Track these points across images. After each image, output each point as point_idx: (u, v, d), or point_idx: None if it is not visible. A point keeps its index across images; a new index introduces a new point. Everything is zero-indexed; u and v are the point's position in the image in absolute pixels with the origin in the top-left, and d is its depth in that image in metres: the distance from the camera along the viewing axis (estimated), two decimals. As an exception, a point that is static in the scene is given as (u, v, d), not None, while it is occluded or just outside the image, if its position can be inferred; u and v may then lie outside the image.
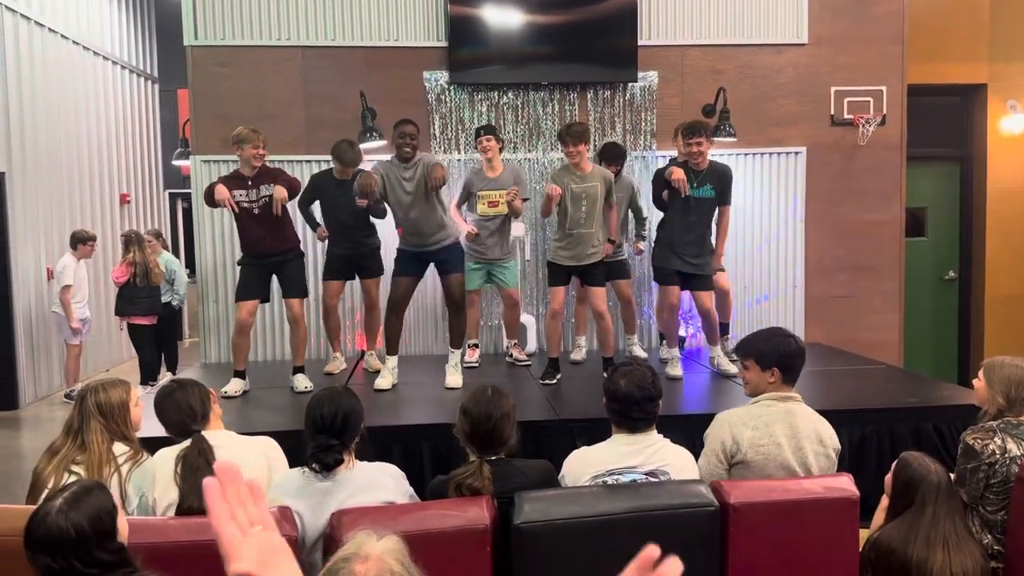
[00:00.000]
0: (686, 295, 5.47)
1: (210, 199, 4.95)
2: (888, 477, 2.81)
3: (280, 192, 4.84)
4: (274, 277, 5.21)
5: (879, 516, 2.83)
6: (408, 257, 5.17)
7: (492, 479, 2.70)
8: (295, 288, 5.15)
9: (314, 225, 5.69)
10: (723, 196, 5.20)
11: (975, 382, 3.27)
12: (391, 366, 5.21)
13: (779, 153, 6.76)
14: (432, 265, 5.25)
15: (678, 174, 5.00)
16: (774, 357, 3.05)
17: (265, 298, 5.21)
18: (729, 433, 2.92)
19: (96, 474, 2.75)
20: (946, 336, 7.86)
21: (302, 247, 5.33)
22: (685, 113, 6.47)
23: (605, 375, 5.05)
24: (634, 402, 2.76)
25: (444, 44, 6.38)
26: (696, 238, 5.14)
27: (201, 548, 2.40)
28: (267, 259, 5.08)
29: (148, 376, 7.77)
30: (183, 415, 2.83)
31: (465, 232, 5.56)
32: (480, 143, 5.61)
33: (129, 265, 7.61)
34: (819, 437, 2.99)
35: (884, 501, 2.82)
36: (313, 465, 2.67)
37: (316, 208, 5.70)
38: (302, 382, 5.14)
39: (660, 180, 5.25)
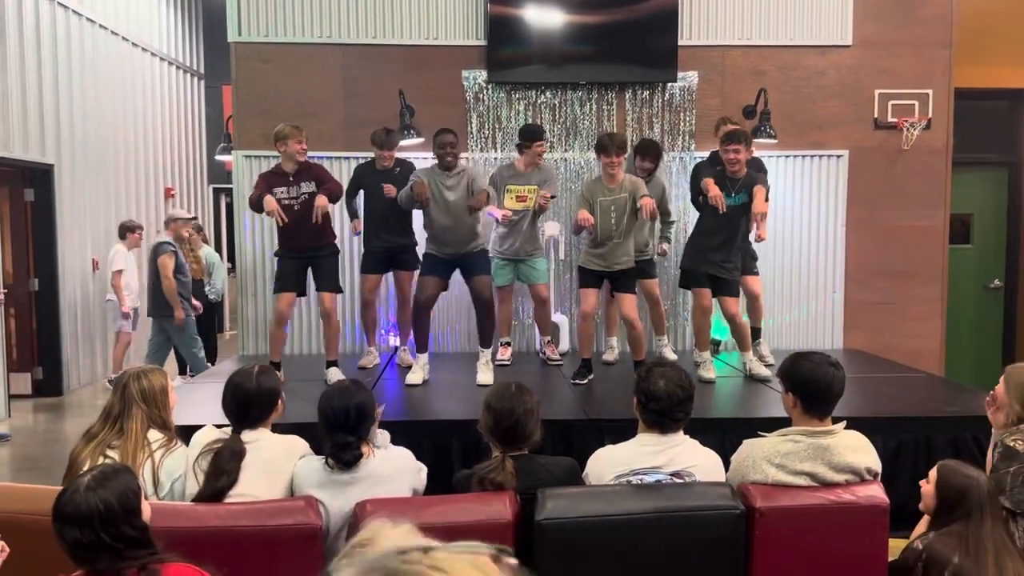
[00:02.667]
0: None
1: (257, 206, 5.04)
2: (927, 487, 2.73)
3: (321, 201, 4.94)
4: (309, 271, 5.28)
5: (922, 526, 2.75)
6: (436, 261, 5.23)
7: (515, 474, 2.71)
8: (328, 283, 5.23)
9: (353, 215, 5.71)
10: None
11: (997, 388, 3.21)
12: (422, 363, 5.26)
13: (821, 156, 6.66)
14: (458, 270, 5.31)
15: (714, 191, 4.90)
16: (789, 381, 2.81)
17: (302, 292, 5.29)
18: (752, 470, 2.75)
19: (130, 459, 2.81)
20: (990, 346, 7.67)
21: (338, 244, 5.40)
22: (725, 114, 6.40)
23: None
24: (677, 402, 2.72)
25: (483, 43, 6.40)
26: (726, 243, 5.09)
27: (220, 534, 2.45)
28: (304, 253, 5.16)
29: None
30: (239, 407, 2.84)
31: (500, 216, 5.53)
32: (541, 148, 5.60)
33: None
34: (854, 470, 2.74)
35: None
36: (335, 463, 2.69)
37: (359, 198, 5.78)
38: (335, 375, 5.18)
39: (697, 182, 5.21)
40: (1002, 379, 3.15)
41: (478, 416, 2.96)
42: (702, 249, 5.17)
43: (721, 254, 5.10)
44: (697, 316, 5.31)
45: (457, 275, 5.40)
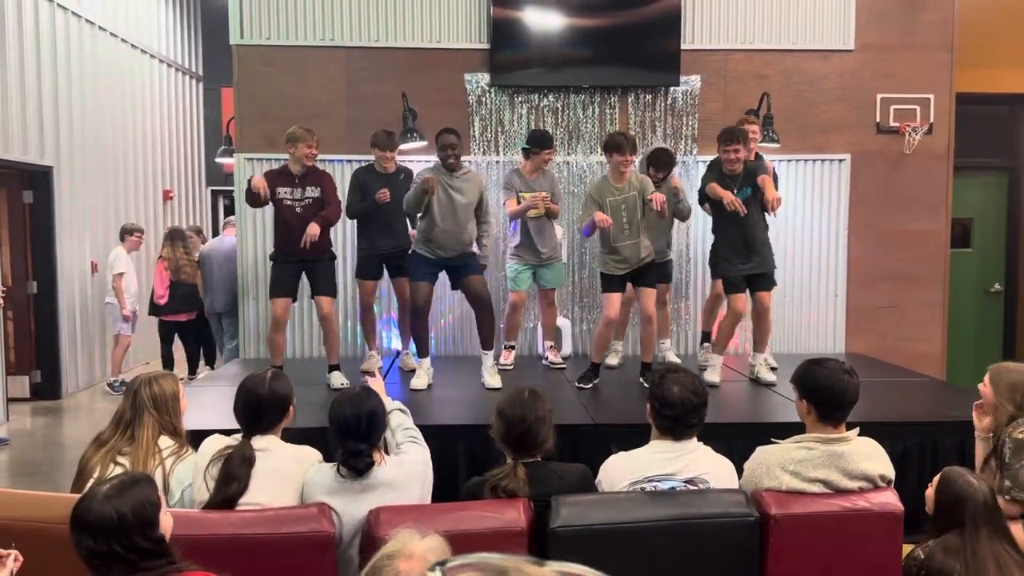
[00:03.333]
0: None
1: (251, 199, 5.01)
2: (929, 492, 2.73)
3: (313, 229, 4.96)
4: (304, 276, 5.25)
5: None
6: (426, 262, 5.16)
7: (528, 481, 2.69)
8: (325, 287, 5.20)
9: (369, 206, 5.36)
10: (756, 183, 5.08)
11: (981, 387, 3.22)
12: (426, 367, 5.24)
13: (823, 160, 6.68)
14: (446, 273, 5.25)
15: (728, 196, 4.90)
16: (803, 388, 2.81)
17: (295, 297, 5.26)
18: (766, 476, 2.74)
19: (141, 466, 2.78)
20: (990, 349, 7.68)
21: (335, 250, 5.40)
22: (728, 118, 6.41)
23: (642, 380, 5.07)
24: (691, 408, 2.71)
25: (486, 46, 6.40)
26: (748, 241, 5.09)
27: (233, 541, 2.43)
28: (300, 258, 5.13)
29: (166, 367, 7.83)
30: (251, 412, 2.81)
31: (531, 198, 5.49)
32: (549, 156, 5.63)
33: (163, 261, 7.72)
34: (868, 477, 2.73)
35: None
36: (347, 470, 2.67)
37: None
38: (338, 379, 5.19)
39: (707, 183, 5.22)
40: (987, 380, 3.15)
41: (483, 421, 2.94)
42: (728, 255, 5.16)
43: (746, 253, 5.10)
44: (727, 321, 5.22)
45: (445, 279, 5.35)
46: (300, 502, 2.72)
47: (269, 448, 2.78)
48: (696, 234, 6.52)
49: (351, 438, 2.67)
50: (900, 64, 6.63)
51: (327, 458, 2.90)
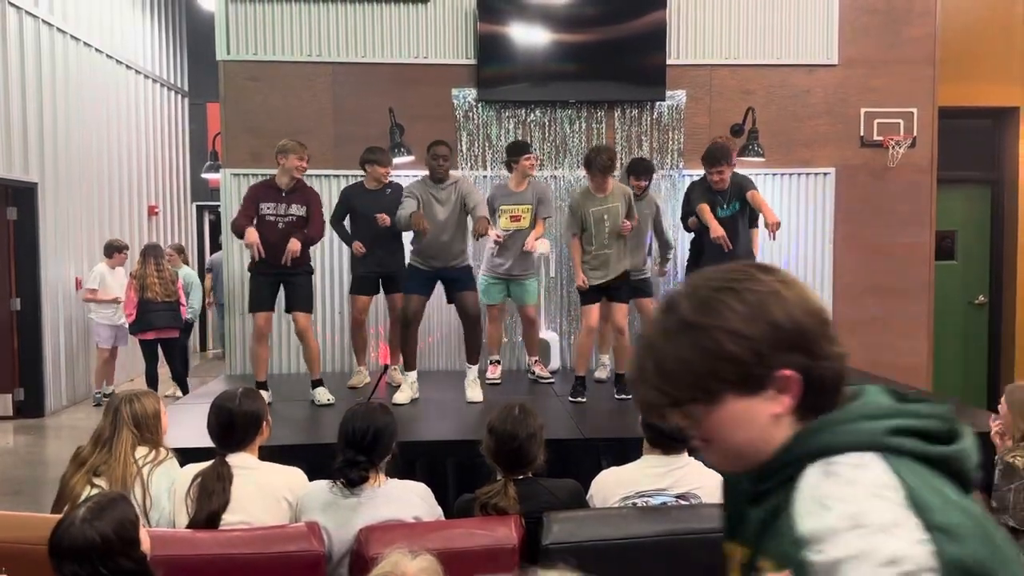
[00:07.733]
0: None
1: (239, 233, 4.98)
2: None
3: (295, 245, 4.90)
4: (281, 289, 5.20)
5: None
6: (420, 275, 5.17)
7: (518, 498, 2.68)
8: (300, 302, 5.15)
9: (349, 240, 5.59)
10: (744, 197, 5.20)
11: (1000, 406, 3.23)
12: (411, 381, 5.22)
13: (808, 174, 6.71)
14: (441, 284, 5.26)
15: (718, 232, 4.99)
16: None
17: (274, 308, 5.20)
18: None
19: (119, 483, 2.74)
20: (975, 361, 7.74)
21: (313, 264, 5.35)
22: (713, 132, 6.46)
23: (615, 392, 5.08)
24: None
25: (473, 61, 6.41)
26: (732, 257, 5.12)
27: (220, 561, 2.40)
28: (277, 271, 5.06)
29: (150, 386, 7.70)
30: (222, 429, 2.81)
31: (493, 238, 5.56)
32: (529, 160, 5.60)
33: (133, 279, 7.60)
34: None
35: None
36: (339, 480, 2.65)
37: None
38: (323, 395, 5.13)
39: (688, 203, 5.26)
40: (1003, 399, 3.16)
41: (471, 435, 2.92)
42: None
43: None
44: None
45: (440, 293, 5.33)
46: (291, 521, 2.69)
47: (248, 466, 2.76)
48: (680, 251, 6.52)
49: (353, 447, 2.65)
50: (883, 78, 6.69)
51: (311, 476, 2.87)
